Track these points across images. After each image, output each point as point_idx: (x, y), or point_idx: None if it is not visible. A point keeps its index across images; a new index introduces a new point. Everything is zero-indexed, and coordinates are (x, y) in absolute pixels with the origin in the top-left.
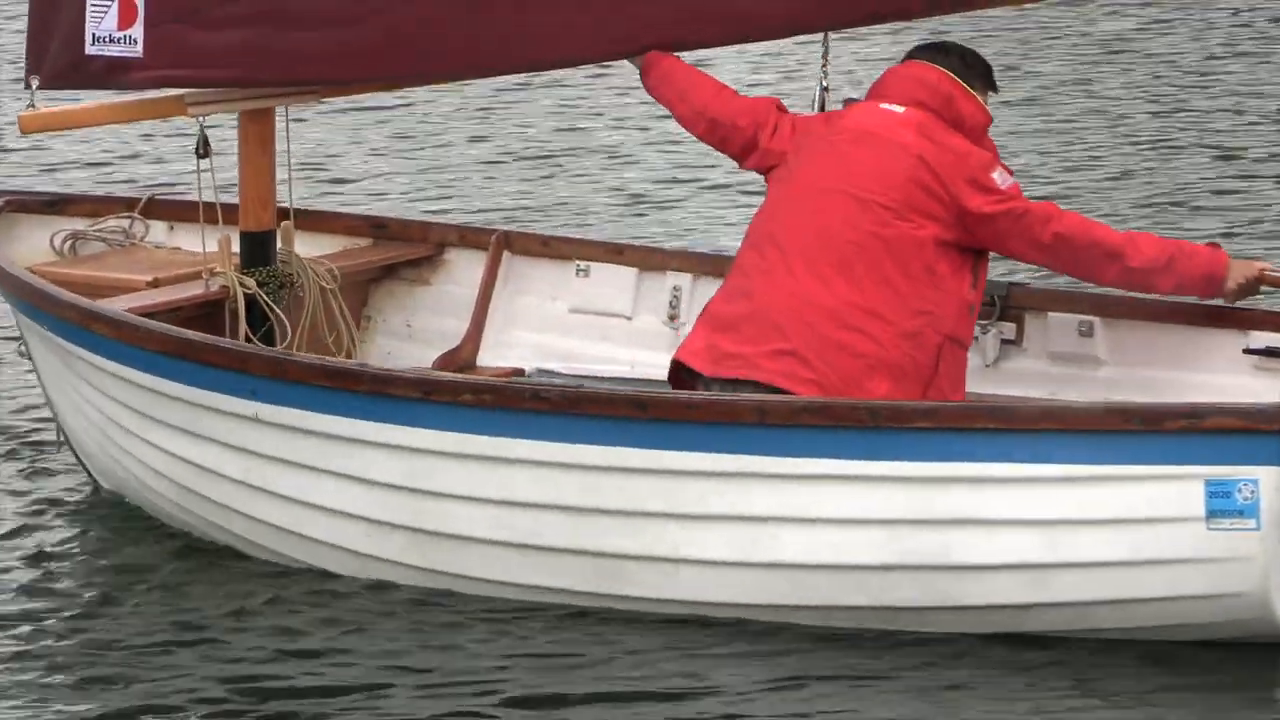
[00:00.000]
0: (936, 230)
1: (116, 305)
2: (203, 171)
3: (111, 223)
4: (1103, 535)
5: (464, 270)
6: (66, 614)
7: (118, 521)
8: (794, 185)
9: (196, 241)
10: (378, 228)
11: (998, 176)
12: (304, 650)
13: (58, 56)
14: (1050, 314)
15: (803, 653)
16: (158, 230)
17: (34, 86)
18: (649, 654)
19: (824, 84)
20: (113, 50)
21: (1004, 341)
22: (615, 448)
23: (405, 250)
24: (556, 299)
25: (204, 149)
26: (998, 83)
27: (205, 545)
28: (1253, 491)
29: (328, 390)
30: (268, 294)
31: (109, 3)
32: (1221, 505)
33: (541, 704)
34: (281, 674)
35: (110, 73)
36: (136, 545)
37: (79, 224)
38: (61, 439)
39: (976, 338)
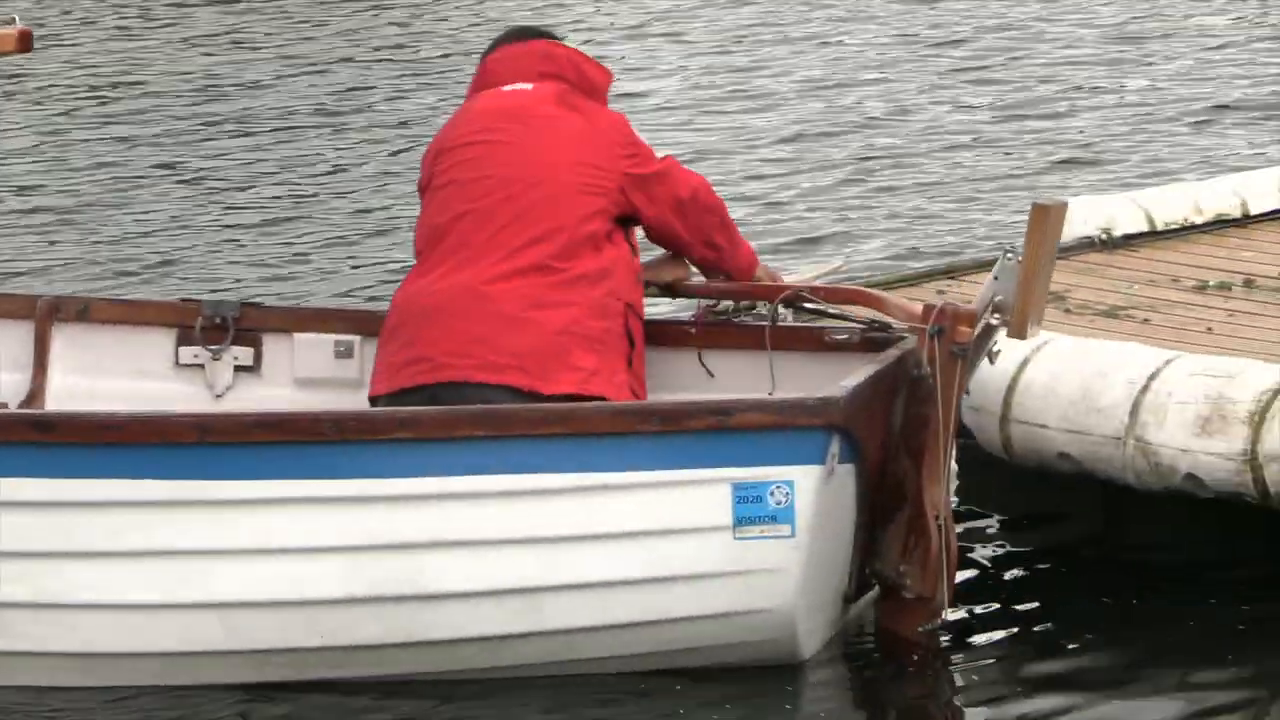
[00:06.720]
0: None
1: None
2: None
3: None
4: (611, 551)
5: None
6: None
7: None
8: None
9: None
10: None
11: (641, 139)
12: None
13: None
14: (296, 335)
15: None
16: None
17: None
18: None
19: None
20: None
21: (239, 368)
22: (9, 478)
23: None
24: None
25: None
26: None
27: None
28: (787, 495)
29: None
30: None
31: None
32: (751, 511)
33: None
34: None
35: None
36: None
37: None
38: None
39: (203, 365)
